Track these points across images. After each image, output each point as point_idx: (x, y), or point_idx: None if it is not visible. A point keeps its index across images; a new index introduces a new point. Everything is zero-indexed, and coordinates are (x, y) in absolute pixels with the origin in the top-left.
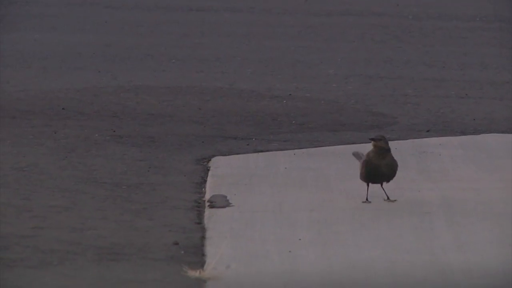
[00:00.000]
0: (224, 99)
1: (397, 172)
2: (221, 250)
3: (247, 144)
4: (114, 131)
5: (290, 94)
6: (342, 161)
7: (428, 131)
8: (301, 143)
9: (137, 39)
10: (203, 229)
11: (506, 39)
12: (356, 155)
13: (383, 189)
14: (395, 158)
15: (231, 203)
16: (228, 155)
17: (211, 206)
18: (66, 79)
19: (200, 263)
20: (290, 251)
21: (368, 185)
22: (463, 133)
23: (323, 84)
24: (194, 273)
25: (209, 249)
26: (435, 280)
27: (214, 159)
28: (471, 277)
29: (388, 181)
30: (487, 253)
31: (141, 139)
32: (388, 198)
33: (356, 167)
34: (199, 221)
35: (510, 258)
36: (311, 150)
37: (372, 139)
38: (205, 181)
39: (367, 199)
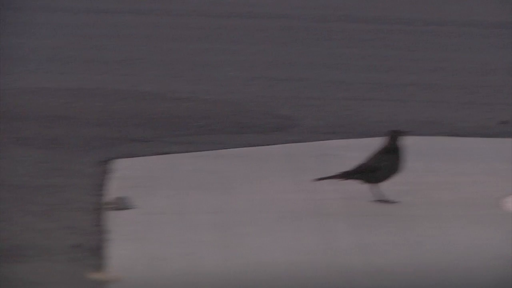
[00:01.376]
0: (127, 102)
1: (298, 175)
2: (122, 252)
3: (149, 147)
4: (17, 134)
5: (192, 97)
6: (244, 163)
7: (330, 133)
8: (203, 146)
9: (38, 42)
10: (104, 231)
11: (408, 42)
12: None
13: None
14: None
15: (132, 206)
16: (131, 157)
17: (113, 208)
18: None
19: (101, 265)
20: (191, 253)
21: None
22: (366, 135)
23: (226, 87)
24: (95, 275)
25: (111, 251)
26: (336, 281)
27: (116, 161)
28: (372, 279)
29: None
30: (387, 256)
31: (43, 141)
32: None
33: (257, 169)
34: (101, 223)
35: (409, 260)
36: (213, 152)
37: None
38: (106, 183)
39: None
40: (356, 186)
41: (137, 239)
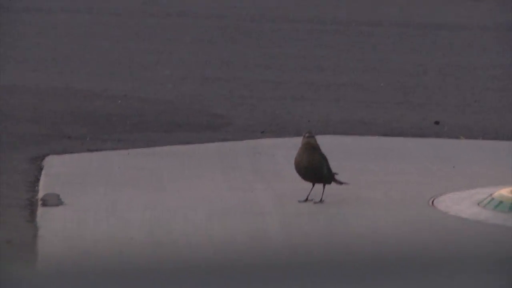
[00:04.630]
0: (60, 99)
1: (230, 173)
2: (52, 249)
3: (82, 144)
4: None
5: (125, 95)
6: (176, 161)
7: (263, 132)
8: (136, 143)
9: None
10: (35, 228)
11: (342, 42)
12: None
13: (311, 189)
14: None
15: (64, 202)
16: (63, 154)
17: (44, 205)
18: None
19: (32, 261)
20: (122, 251)
21: (313, 185)
22: (298, 134)
23: (159, 85)
24: (24, 271)
25: (41, 247)
26: (265, 280)
27: (48, 158)
28: (301, 278)
29: (316, 180)
30: (317, 254)
31: None
32: (321, 200)
33: (189, 167)
34: (32, 220)
35: (340, 259)
36: (145, 150)
37: (307, 134)
38: (38, 180)
39: (307, 198)
40: (289, 185)
41: (68, 235)
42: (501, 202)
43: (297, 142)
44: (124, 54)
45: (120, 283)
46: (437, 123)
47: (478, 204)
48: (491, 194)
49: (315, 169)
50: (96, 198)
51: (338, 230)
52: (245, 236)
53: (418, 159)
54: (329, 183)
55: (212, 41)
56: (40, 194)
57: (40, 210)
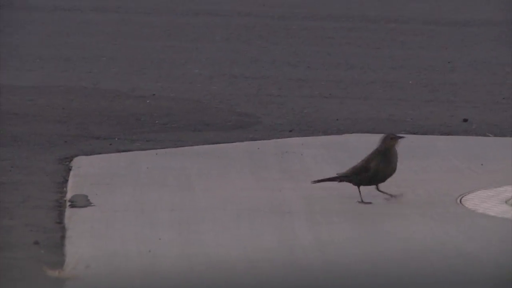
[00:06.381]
0: (88, 99)
1: (259, 172)
2: (81, 250)
3: (110, 144)
4: None
5: (154, 94)
6: (205, 160)
7: (291, 131)
8: (164, 143)
9: (1, 38)
10: (63, 229)
11: (371, 39)
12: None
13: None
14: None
15: (92, 203)
16: (91, 155)
17: (72, 206)
18: None
19: (60, 262)
20: (150, 251)
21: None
22: (326, 133)
23: (188, 84)
24: (53, 273)
25: (69, 248)
26: (296, 280)
27: (76, 159)
28: (331, 277)
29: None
30: (347, 253)
31: (4, 138)
32: (391, 195)
33: (218, 167)
34: (60, 221)
35: (369, 258)
36: (174, 150)
37: (398, 136)
38: (66, 181)
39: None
40: (316, 185)
41: (96, 236)
42: None
43: (324, 140)
44: (153, 53)
45: (149, 284)
46: (465, 120)
47: (506, 202)
48: None
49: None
50: (125, 199)
51: (367, 228)
52: (273, 236)
53: (446, 157)
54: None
55: (240, 40)
56: (69, 195)
57: (68, 211)
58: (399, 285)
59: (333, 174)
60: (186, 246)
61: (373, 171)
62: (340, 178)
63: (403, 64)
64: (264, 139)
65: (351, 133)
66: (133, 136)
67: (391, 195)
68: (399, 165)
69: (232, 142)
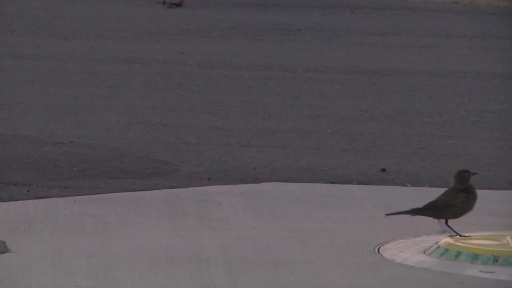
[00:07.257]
0: (6, 145)
1: (176, 220)
2: None
3: (28, 191)
4: None
5: (72, 141)
6: (122, 208)
7: (209, 179)
8: (82, 190)
9: None
10: None
11: (289, 88)
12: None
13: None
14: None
15: (9, 249)
16: (9, 201)
17: None
18: None
19: None
20: None
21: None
22: (244, 181)
23: (106, 131)
24: None
25: None
26: None
27: None
28: None
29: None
30: None
31: None
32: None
33: (135, 214)
34: None
35: None
36: (91, 197)
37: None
38: None
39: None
40: (235, 233)
41: (13, 283)
42: (446, 250)
43: (243, 189)
44: (70, 100)
45: None
46: (383, 170)
47: (424, 252)
48: (437, 242)
49: None
50: (42, 246)
51: (283, 277)
52: (190, 283)
53: (364, 206)
54: None
55: (158, 87)
56: None
57: None
58: None
59: (250, 222)
60: None
61: (457, 207)
62: (417, 212)
63: (321, 113)
64: (182, 187)
65: (269, 181)
66: (51, 183)
67: (456, 233)
68: (316, 214)
69: (150, 190)
